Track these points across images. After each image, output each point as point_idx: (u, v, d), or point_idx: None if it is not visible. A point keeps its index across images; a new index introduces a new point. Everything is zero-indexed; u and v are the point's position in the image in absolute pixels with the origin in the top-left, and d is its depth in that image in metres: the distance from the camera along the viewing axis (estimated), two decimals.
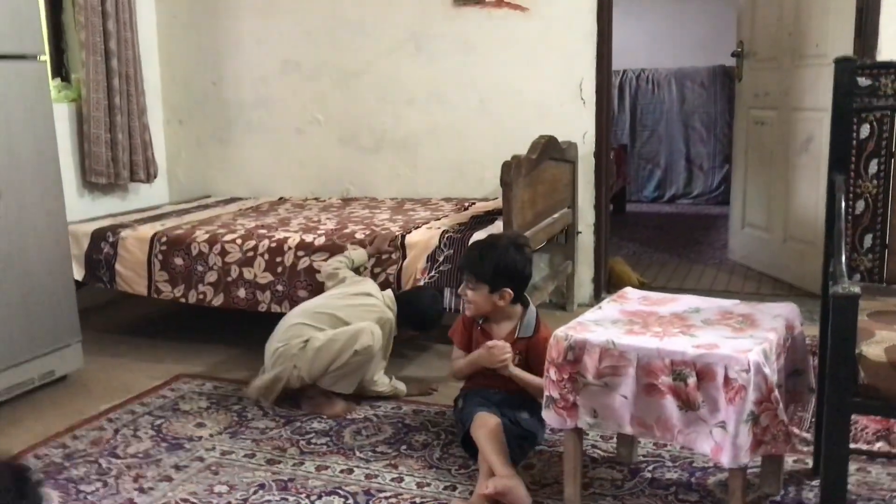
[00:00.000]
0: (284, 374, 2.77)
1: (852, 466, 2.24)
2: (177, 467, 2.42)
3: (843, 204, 2.03)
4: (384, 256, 3.18)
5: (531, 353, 2.42)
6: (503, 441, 2.25)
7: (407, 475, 2.34)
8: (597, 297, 4.04)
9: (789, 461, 2.32)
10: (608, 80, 3.97)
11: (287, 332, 2.83)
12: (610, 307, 2.23)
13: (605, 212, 4.07)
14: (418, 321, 2.99)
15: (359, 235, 3.24)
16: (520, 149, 3.26)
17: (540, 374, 2.20)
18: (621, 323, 2.05)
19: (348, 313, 2.84)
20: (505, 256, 2.42)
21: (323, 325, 2.80)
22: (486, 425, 2.27)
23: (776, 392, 1.77)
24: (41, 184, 3.00)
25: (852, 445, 2.24)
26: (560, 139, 3.67)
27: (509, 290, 2.42)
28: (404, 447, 2.52)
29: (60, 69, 4.18)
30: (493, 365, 2.39)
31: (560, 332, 2.00)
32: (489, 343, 2.41)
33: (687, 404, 1.82)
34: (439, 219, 3.50)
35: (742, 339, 1.88)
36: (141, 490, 2.29)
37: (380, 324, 2.81)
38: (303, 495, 2.24)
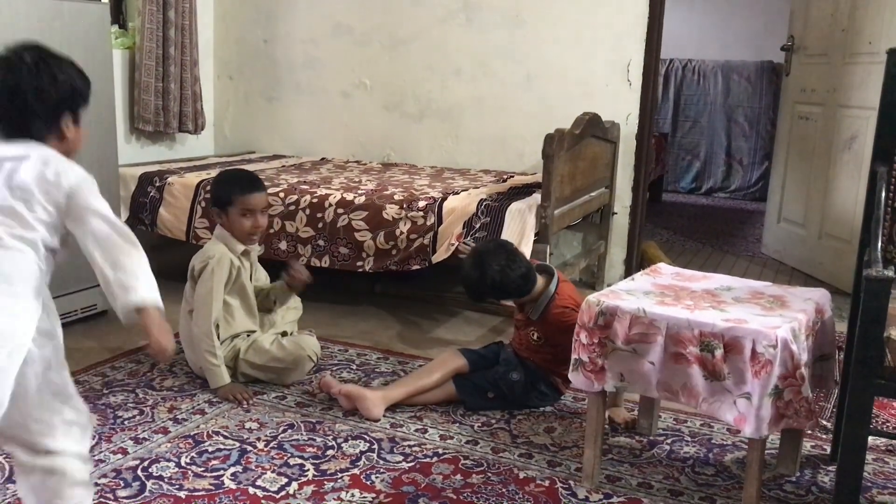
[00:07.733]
0: None
1: (869, 456, 2.27)
2: (210, 402, 2.51)
3: (884, 195, 2.05)
4: (419, 223, 3.22)
5: (545, 330, 2.52)
6: (433, 381, 2.53)
7: (431, 427, 2.41)
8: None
9: (807, 446, 2.35)
10: (656, 63, 3.97)
11: None
12: (643, 279, 2.27)
13: (643, 194, 4.08)
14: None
15: (398, 197, 3.30)
16: (563, 125, 3.28)
17: (560, 347, 2.33)
18: (653, 294, 2.09)
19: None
20: (488, 276, 2.43)
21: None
22: (447, 361, 2.57)
23: (802, 369, 1.80)
24: (96, 125, 3.10)
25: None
26: (603, 119, 3.70)
27: (512, 301, 2.60)
28: None
29: (118, 16, 4.27)
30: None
31: (592, 297, 2.05)
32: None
33: (713, 374, 1.85)
34: (478, 187, 3.54)
35: (772, 316, 1.91)
36: (175, 420, 2.38)
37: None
38: (330, 437, 2.31)
